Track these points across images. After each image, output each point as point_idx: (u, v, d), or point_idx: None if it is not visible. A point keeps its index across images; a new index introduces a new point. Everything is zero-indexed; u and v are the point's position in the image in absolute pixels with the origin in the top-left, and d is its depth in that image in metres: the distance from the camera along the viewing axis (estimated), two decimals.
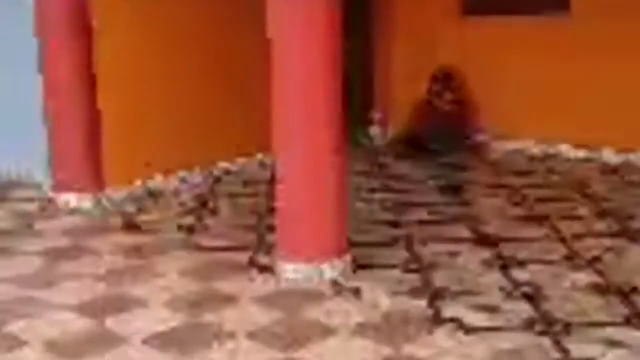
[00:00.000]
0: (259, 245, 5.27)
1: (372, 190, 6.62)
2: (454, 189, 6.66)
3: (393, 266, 4.85)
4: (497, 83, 7.91)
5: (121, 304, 4.35)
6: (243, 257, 5.05)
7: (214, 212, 6.12)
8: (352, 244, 4.91)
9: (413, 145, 8.01)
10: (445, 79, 8.14)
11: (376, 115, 8.71)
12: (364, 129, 8.62)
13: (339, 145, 4.61)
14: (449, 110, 8.07)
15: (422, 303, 4.29)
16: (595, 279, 4.57)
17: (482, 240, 5.29)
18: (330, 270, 4.65)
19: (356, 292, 4.47)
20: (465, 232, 5.47)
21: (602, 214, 5.79)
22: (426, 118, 8.13)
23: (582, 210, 5.90)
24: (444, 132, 7.95)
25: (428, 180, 6.92)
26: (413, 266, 4.85)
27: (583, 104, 7.44)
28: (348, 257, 4.76)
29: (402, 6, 8.44)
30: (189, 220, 5.88)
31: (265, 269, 4.83)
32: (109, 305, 4.35)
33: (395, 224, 5.70)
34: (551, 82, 7.60)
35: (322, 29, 4.37)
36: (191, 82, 6.88)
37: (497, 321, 4.04)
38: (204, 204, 6.34)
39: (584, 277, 4.59)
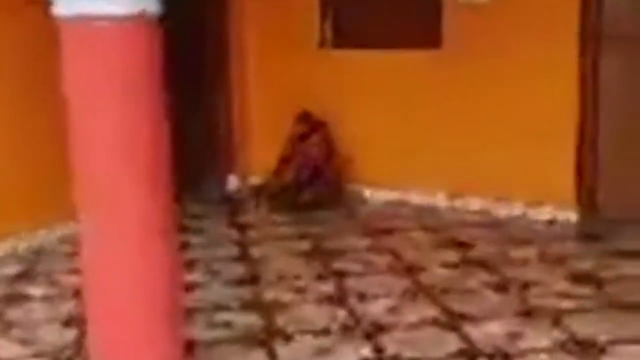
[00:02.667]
0: (78, 351, 4.10)
1: (227, 260, 5.56)
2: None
3: None
4: (368, 125, 7.08)
5: None
6: None
7: (26, 298, 4.88)
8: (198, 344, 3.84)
9: (279, 198, 7.03)
10: (308, 121, 7.22)
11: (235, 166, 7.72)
12: (219, 182, 7.61)
13: (166, 221, 3.50)
14: (316, 156, 7.12)
15: None
16: None
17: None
18: None
19: None
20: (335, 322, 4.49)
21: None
22: (293, 166, 7.16)
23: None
24: (312, 181, 7.01)
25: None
26: None
27: (459, 147, 6.68)
28: None
29: (255, 48, 7.49)
30: None
31: None
32: None
33: (249, 306, 4.66)
34: (425, 124, 6.82)
35: (138, 81, 3.29)
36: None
37: None
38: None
39: None
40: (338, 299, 4.73)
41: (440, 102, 6.71)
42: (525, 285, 4.87)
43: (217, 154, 7.59)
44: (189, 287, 4.89)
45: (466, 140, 6.63)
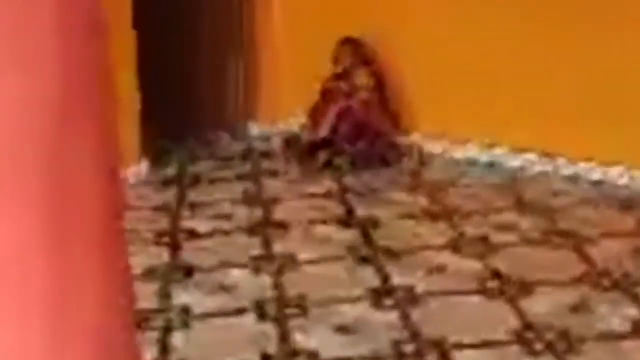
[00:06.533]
0: None
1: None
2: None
3: None
4: (437, 58, 5.28)
5: None
6: None
7: None
8: None
9: (313, 156, 5.33)
10: (353, 50, 5.51)
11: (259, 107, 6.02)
12: (234, 132, 5.89)
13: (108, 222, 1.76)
14: (364, 98, 5.41)
15: None
16: None
17: None
18: None
19: None
20: None
21: None
22: (332, 112, 5.42)
23: None
24: (358, 134, 5.32)
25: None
26: None
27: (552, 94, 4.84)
28: None
29: None
30: None
31: None
32: None
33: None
34: (519, 56, 4.98)
35: None
36: None
37: None
38: None
39: None
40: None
41: (546, 25, 4.82)
42: None
43: (231, 94, 5.88)
44: None
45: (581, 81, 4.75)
